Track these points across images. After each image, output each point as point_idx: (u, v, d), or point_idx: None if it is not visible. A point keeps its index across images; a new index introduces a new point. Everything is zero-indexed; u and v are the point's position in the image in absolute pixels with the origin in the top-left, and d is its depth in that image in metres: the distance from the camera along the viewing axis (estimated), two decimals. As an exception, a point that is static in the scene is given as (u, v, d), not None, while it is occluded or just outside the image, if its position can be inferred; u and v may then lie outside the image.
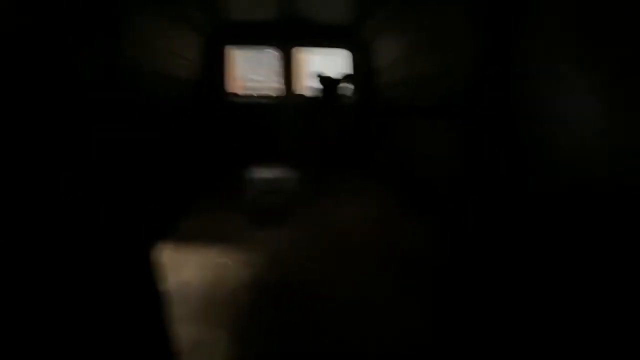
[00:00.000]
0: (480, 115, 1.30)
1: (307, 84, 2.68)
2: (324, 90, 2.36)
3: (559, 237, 0.95)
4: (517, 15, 1.06)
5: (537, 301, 1.01)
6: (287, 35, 3.32)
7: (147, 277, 0.79)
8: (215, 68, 3.31)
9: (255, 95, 4.95)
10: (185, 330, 1.16)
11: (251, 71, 6.74)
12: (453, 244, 1.74)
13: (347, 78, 2.47)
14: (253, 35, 3.36)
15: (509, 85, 1.13)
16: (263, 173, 2.54)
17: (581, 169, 0.87)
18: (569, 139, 0.90)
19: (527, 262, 1.06)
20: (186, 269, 1.59)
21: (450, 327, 1.20)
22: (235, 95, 3.75)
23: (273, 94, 3.90)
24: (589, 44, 0.84)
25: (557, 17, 0.92)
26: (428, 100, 2.14)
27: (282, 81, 3.52)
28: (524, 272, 1.08)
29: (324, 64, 5.75)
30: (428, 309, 1.30)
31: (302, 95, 3.84)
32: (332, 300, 1.36)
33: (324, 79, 2.40)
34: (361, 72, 3.44)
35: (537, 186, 1.01)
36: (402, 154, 2.72)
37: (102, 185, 0.67)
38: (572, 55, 0.89)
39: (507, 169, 1.12)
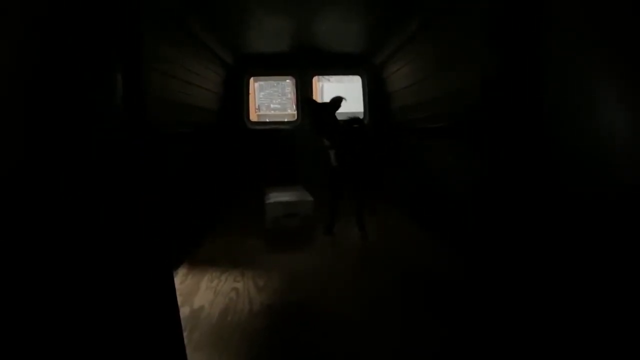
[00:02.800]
0: (499, 132, 1.26)
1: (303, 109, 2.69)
2: (314, 115, 2.31)
3: (590, 257, 0.87)
4: (535, 29, 1.05)
5: (565, 324, 0.93)
6: (303, 64, 3.45)
7: (165, 300, 0.78)
8: (236, 98, 3.45)
9: (274, 122, 5.12)
10: (197, 356, 1.13)
11: (270, 99, 7.00)
12: (470, 264, 1.66)
13: (336, 102, 2.32)
14: (271, 65, 3.51)
15: (530, 99, 1.11)
16: (281, 196, 2.55)
17: (613, 179, 0.81)
18: (600, 150, 0.85)
19: (554, 282, 0.98)
20: (200, 294, 1.57)
21: (468, 349, 1.12)
22: (255, 122, 3.87)
23: (291, 120, 4.01)
24: (616, 50, 0.81)
25: (580, 24, 0.90)
26: (443, 121, 2.13)
27: (299, 108, 3.62)
28: (549, 293, 0.99)
29: (339, 90, 5.91)
30: (446, 330, 1.21)
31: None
32: (348, 325, 1.30)
33: (311, 104, 2.40)
34: (375, 96, 3.49)
35: (568, 201, 0.95)
36: (417, 174, 2.68)
37: (125, 208, 0.68)
38: (598, 61, 0.86)
39: (533, 184, 1.07)
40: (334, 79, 6.20)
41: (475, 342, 1.16)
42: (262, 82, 6.70)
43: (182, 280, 1.72)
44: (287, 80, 6.48)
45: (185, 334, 1.23)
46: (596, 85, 0.87)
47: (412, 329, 1.27)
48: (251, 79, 3.71)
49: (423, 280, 1.66)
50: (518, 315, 1.12)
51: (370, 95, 3.56)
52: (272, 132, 3.64)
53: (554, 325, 0.96)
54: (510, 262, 1.19)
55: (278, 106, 6.91)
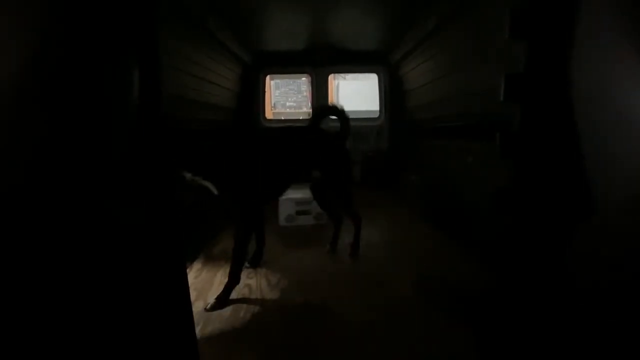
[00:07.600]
0: (526, 132, 1.21)
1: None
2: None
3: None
4: (564, 20, 1.00)
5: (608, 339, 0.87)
6: (319, 62, 3.44)
7: (178, 295, 0.79)
8: (252, 95, 3.48)
9: (290, 119, 5.13)
10: (209, 351, 1.14)
11: (286, 97, 7.02)
12: (487, 269, 1.60)
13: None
14: (288, 63, 3.51)
15: (561, 96, 1.05)
16: (293, 194, 2.55)
17: None
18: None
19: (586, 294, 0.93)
20: (214, 289, 1.59)
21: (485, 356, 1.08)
22: (271, 120, 3.89)
23: (306, 118, 4.00)
24: None
25: (615, 13, 0.85)
26: (462, 120, 2.07)
27: (315, 106, 3.61)
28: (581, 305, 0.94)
29: (355, 88, 5.85)
30: (460, 339, 1.18)
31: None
32: (359, 325, 1.28)
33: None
34: (392, 94, 3.44)
35: (604, 206, 0.89)
36: (434, 175, 2.62)
37: (139, 204, 0.69)
38: (631, 49, 0.80)
39: (565, 188, 1.01)
40: (349, 76, 6.15)
41: (494, 350, 1.12)
42: (278, 80, 6.71)
43: (196, 275, 1.74)
44: (303, 78, 6.48)
45: (197, 329, 1.24)
46: (635, 81, 0.81)
47: (424, 334, 1.24)
48: (267, 77, 3.73)
49: (438, 284, 1.62)
50: (546, 327, 1.07)
51: (386, 93, 3.51)
52: (288, 130, 3.65)
53: (590, 338, 0.91)
54: (536, 271, 1.13)
55: (293, 104, 6.91)
